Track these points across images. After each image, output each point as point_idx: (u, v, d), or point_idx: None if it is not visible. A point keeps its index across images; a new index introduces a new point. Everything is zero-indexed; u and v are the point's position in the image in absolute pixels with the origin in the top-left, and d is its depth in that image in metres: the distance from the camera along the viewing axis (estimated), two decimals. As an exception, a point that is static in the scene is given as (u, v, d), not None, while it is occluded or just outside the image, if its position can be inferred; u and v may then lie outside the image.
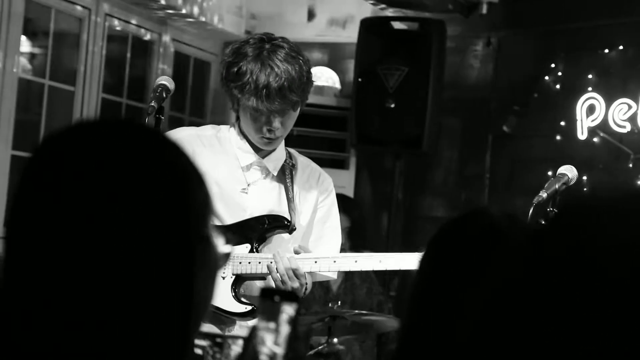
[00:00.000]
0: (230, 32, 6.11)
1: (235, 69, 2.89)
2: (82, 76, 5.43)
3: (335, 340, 4.13)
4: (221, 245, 1.20)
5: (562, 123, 5.52)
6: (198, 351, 1.33)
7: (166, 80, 2.83)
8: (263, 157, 3.02)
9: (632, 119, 5.29)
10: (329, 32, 6.29)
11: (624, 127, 5.32)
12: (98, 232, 1.10)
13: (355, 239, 5.11)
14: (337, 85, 6.05)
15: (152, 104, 2.74)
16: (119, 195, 1.11)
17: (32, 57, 5.48)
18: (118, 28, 5.70)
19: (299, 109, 2.96)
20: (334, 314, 4.02)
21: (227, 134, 3.05)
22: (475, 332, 1.06)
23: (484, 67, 5.92)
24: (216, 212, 1.20)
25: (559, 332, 0.96)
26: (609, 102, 5.36)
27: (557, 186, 2.99)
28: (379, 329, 4.46)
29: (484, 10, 5.52)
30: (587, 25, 5.53)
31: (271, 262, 2.89)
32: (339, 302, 4.16)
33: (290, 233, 2.99)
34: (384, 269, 2.99)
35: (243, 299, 2.93)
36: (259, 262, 2.92)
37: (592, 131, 5.40)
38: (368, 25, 5.69)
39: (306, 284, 2.94)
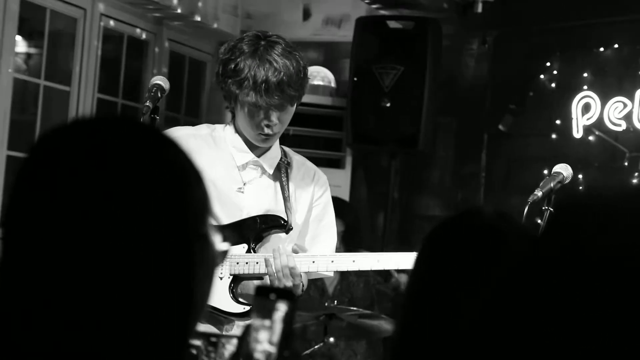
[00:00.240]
0: (225, 31, 6.11)
1: (233, 65, 2.90)
2: (78, 76, 5.43)
3: (332, 339, 4.13)
4: (218, 243, 1.20)
5: (558, 121, 5.53)
6: (192, 351, 1.33)
7: (161, 80, 2.83)
8: (259, 156, 3.02)
9: (627, 118, 5.29)
10: (324, 32, 6.29)
11: (619, 125, 5.32)
12: (96, 230, 1.09)
13: (350, 243, 5.10)
14: (333, 84, 6.05)
15: (147, 104, 2.74)
16: (117, 193, 1.10)
17: (27, 57, 5.47)
18: (113, 28, 5.70)
19: (295, 104, 2.97)
20: (330, 312, 4.02)
21: (222, 133, 3.05)
22: (473, 332, 1.06)
23: (480, 66, 5.93)
24: (213, 212, 1.20)
25: (559, 332, 0.96)
26: (604, 100, 5.36)
27: (552, 185, 2.99)
28: (377, 333, 4.45)
29: (479, 9, 5.53)
30: (582, 24, 5.53)
31: (270, 257, 2.90)
32: (335, 301, 4.16)
33: (287, 233, 2.99)
34: (382, 268, 2.99)
35: (241, 299, 2.93)
36: (257, 262, 2.92)
37: (588, 130, 5.41)
38: (363, 25, 5.69)
39: (302, 284, 2.94)
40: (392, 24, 5.68)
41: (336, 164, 5.98)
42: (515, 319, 1.00)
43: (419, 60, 5.46)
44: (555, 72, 5.61)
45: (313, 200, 3.09)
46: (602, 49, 5.45)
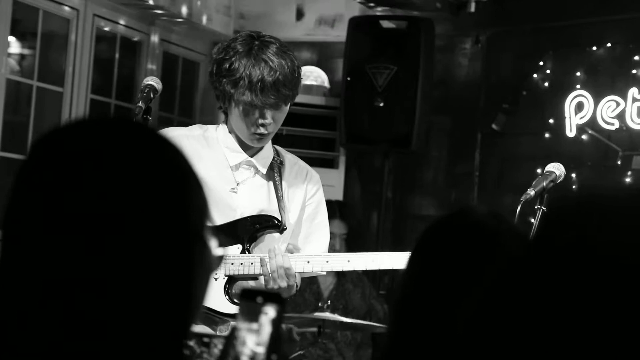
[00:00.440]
0: (218, 32, 6.10)
1: (227, 65, 2.90)
2: (71, 77, 5.42)
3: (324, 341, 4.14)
4: (215, 247, 1.20)
5: (551, 121, 5.54)
6: (185, 351, 1.33)
7: (153, 81, 2.83)
8: (252, 156, 3.02)
9: (620, 116, 5.30)
10: (317, 32, 6.29)
11: (612, 124, 5.33)
12: (96, 231, 1.09)
13: (352, 245, 5.10)
14: (326, 84, 6.05)
15: (140, 105, 2.73)
16: (118, 194, 1.10)
17: (20, 58, 5.46)
18: (106, 29, 5.69)
19: (289, 104, 2.97)
20: (322, 320, 4.02)
21: (215, 133, 3.05)
22: (466, 332, 1.05)
23: (473, 65, 5.93)
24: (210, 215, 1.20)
25: (553, 332, 0.96)
26: (597, 99, 5.37)
27: (544, 184, 3.00)
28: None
29: (472, 8, 5.54)
30: (575, 23, 5.54)
31: (266, 257, 2.90)
32: (329, 301, 4.16)
33: (281, 233, 3.00)
34: (377, 268, 3.00)
35: (236, 300, 2.92)
36: (252, 263, 2.92)
37: (581, 128, 5.42)
38: (357, 24, 5.69)
39: (296, 284, 2.94)
40: (385, 24, 5.68)
41: (330, 163, 5.98)
42: (509, 319, 0.99)
43: (412, 60, 5.46)
44: (548, 71, 5.62)
45: (306, 199, 3.09)
46: (595, 48, 5.46)
